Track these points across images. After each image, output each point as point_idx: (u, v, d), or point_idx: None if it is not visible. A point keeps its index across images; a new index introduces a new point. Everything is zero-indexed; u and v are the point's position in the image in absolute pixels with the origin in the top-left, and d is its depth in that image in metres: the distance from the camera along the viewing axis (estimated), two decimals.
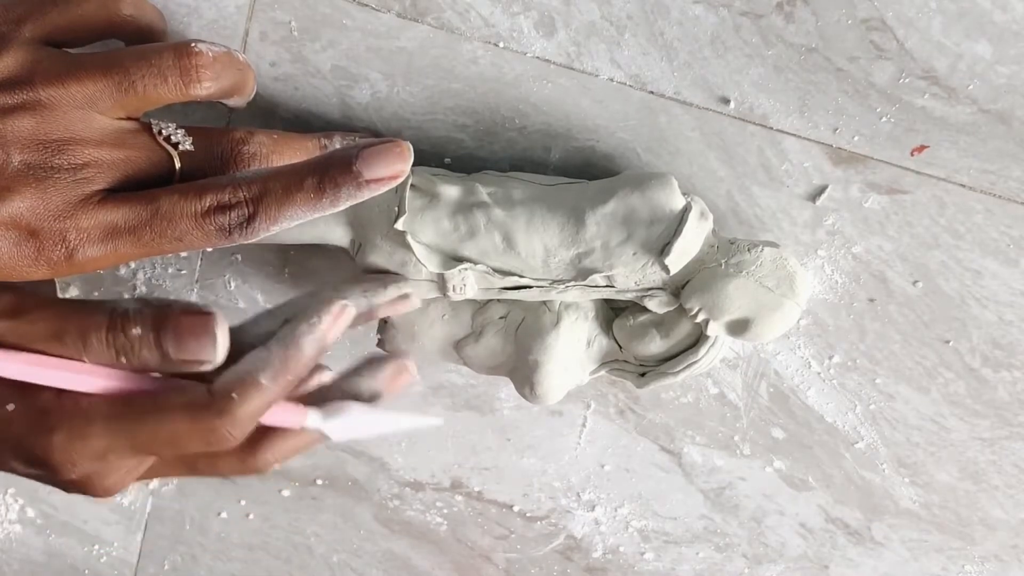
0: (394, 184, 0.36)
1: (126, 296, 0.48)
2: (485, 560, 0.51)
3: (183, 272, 0.47)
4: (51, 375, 0.33)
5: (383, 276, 0.40)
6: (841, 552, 0.49)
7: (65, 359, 0.34)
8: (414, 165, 0.37)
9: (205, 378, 0.34)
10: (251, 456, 0.36)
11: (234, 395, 0.33)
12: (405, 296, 0.37)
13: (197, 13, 0.42)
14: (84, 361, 0.33)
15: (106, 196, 0.35)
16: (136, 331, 0.33)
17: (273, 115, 0.43)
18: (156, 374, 0.34)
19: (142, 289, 0.48)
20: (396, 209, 0.39)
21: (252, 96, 0.40)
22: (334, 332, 0.36)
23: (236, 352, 0.35)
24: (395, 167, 0.36)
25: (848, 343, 0.45)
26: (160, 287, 0.48)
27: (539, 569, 0.51)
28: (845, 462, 0.47)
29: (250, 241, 0.36)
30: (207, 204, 0.35)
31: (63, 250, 0.35)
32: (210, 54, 0.36)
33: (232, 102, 0.39)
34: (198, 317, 0.34)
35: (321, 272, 0.46)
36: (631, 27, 0.41)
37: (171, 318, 0.33)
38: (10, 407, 0.33)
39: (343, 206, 0.36)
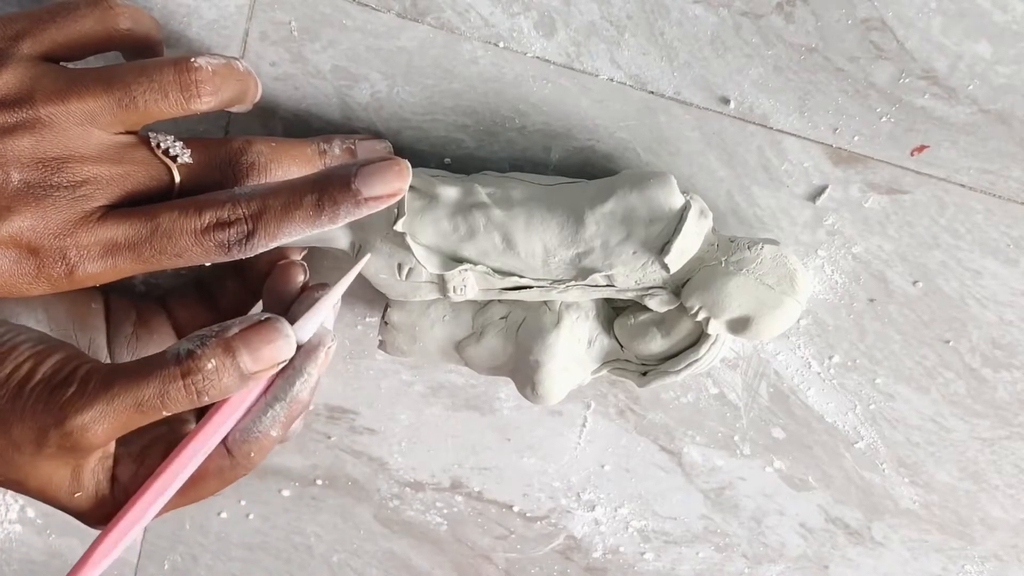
0: (393, 201, 0.36)
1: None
2: (485, 560, 0.51)
3: (183, 272, 0.47)
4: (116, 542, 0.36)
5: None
6: (841, 552, 0.49)
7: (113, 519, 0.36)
8: (414, 166, 0.37)
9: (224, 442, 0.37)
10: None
11: (252, 454, 0.37)
12: (329, 348, 0.38)
13: (197, 14, 0.42)
14: (165, 415, 0.35)
15: (106, 212, 0.35)
16: (211, 365, 0.34)
17: (273, 115, 0.43)
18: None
19: (141, 288, 0.48)
20: (396, 211, 0.39)
21: (256, 101, 0.40)
22: (322, 373, 0.38)
23: None
24: (393, 185, 0.36)
25: (848, 343, 0.45)
26: (159, 287, 0.48)
27: (539, 569, 0.51)
28: (845, 462, 0.47)
29: (249, 256, 0.36)
30: (207, 221, 0.35)
31: (63, 267, 0.35)
32: (209, 68, 0.36)
33: (235, 109, 0.39)
34: (263, 325, 0.36)
35: (321, 272, 0.46)
36: (631, 27, 0.41)
37: (238, 337, 0.35)
38: None
39: (342, 223, 0.36)
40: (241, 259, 0.43)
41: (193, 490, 0.37)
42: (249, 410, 0.37)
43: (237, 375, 0.35)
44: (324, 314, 0.38)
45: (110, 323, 0.43)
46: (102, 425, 0.34)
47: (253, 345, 0.35)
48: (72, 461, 0.35)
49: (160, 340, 0.43)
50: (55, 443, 0.34)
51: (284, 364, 0.36)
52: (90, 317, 0.42)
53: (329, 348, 0.37)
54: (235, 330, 0.35)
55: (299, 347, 0.37)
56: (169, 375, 0.34)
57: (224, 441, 0.37)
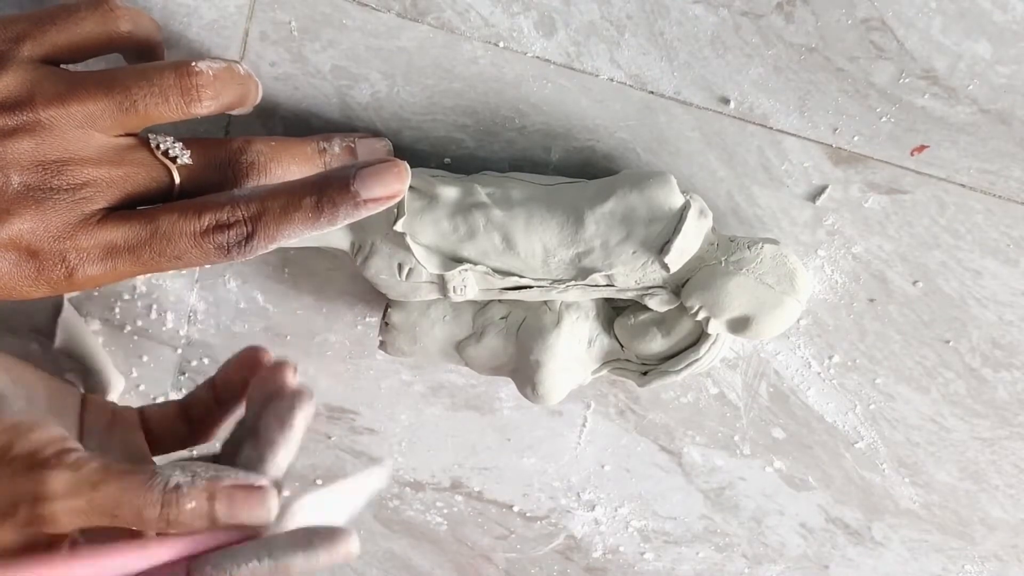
0: (392, 203, 0.36)
1: (125, 295, 0.48)
2: (485, 560, 0.51)
3: (183, 273, 0.47)
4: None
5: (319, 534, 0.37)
6: (841, 552, 0.49)
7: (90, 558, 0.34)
8: (414, 166, 0.37)
9: None
10: None
11: None
12: (349, 543, 0.36)
13: (197, 14, 0.42)
14: (132, 529, 0.34)
15: (106, 215, 0.35)
16: (190, 506, 0.34)
17: (273, 115, 0.43)
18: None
19: (142, 289, 0.48)
20: (396, 211, 0.39)
21: (256, 103, 0.40)
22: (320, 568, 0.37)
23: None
24: (392, 187, 0.36)
25: (848, 343, 0.45)
26: (160, 287, 0.48)
27: (539, 569, 0.51)
28: (845, 462, 0.47)
29: (248, 258, 0.36)
30: (206, 223, 0.35)
31: (63, 270, 0.35)
32: (210, 72, 0.36)
33: (235, 111, 0.39)
34: (253, 491, 0.35)
35: (322, 272, 0.46)
36: (631, 27, 0.41)
37: (225, 491, 0.35)
38: None
39: (341, 224, 0.36)
40: (215, 374, 0.43)
41: None
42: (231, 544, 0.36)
43: (208, 520, 0.35)
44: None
45: (84, 419, 0.42)
46: (72, 519, 0.33)
47: (235, 503, 0.35)
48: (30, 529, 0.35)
49: (129, 439, 0.43)
50: (23, 516, 0.33)
51: (257, 532, 0.36)
52: (67, 410, 0.41)
53: (349, 544, 0.36)
54: (227, 483, 0.35)
55: (309, 529, 0.36)
56: (151, 499, 0.34)
57: (189, 567, 0.35)
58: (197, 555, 0.36)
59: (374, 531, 0.51)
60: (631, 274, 0.40)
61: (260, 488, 0.36)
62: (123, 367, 0.49)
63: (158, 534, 0.37)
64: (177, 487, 0.34)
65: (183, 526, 0.34)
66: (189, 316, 0.48)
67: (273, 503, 0.36)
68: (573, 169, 0.43)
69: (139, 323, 0.49)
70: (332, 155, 0.40)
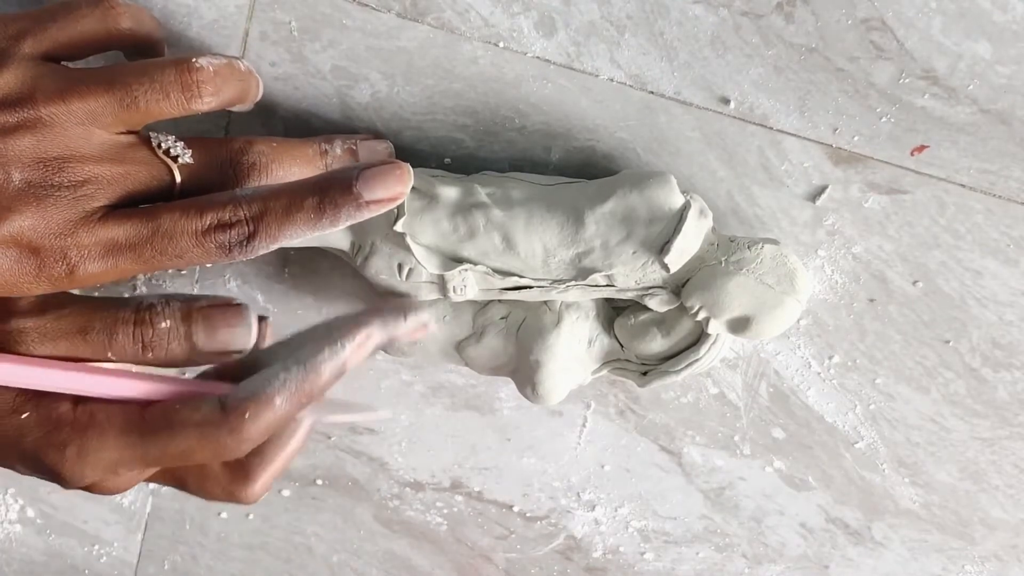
0: (394, 205, 0.36)
1: (126, 295, 0.48)
2: (485, 560, 0.51)
3: (184, 272, 0.47)
4: (65, 381, 0.33)
5: (401, 303, 0.39)
6: (841, 552, 0.49)
7: (80, 364, 0.33)
8: (414, 166, 0.37)
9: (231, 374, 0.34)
10: (241, 488, 0.37)
11: (247, 415, 0.34)
12: (423, 325, 0.36)
13: (197, 14, 0.42)
14: (109, 357, 0.33)
15: (107, 213, 0.35)
16: (164, 324, 0.34)
17: (273, 115, 0.43)
18: (167, 380, 0.35)
19: (143, 289, 0.48)
20: (396, 211, 0.39)
21: (257, 100, 0.40)
22: (355, 359, 0.36)
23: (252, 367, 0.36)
24: (395, 189, 0.36)
25: (848, 343, 0.45)
26: (160, 287, 0.48)
27: (539, 569, 0.51)
28: (845, 462, 0.47)
29: (249, 258, 0.36)
30: (208, 222, 0.35)
31: (64, 267, 0.35)
32: (211, 68, 0.36)
33: (236, 108, 0.39)
34: (229, 308, 0.35)
35: (322, 272, 0.46)
36: (631, 27, 0.41)
37: (201, 311, 0.35)
38: (25, 415, 0.33)
39: (342, 225, 0.36)
40: None
41: (166, 434, 0.33)
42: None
43: (188, 346, 0.34)
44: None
45: None
46: (40, 342, 0.33)
47: (213, 322, 0.35)
48: None
49: None
50: None
51: (238, 355, 0.35)
52: None
53: (369, 335, 0.35)
54: (202, 303, 0.35)
55: (340, 326, 0.35)
56: (122, 317, 0.33)
57: (219, 396, 0.34)
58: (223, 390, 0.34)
59: (374, 531, 0.51)
60: (631, 274, 0.40)
61: (237, 305, 0.35)
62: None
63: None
64: (150, 306, 0.34)
65: (161, 351, 0.34)
66: None
67: (252, 321, 0.35)
68: (573, 169, 0.43)
69: None
70: (334, 157, 0.40)
